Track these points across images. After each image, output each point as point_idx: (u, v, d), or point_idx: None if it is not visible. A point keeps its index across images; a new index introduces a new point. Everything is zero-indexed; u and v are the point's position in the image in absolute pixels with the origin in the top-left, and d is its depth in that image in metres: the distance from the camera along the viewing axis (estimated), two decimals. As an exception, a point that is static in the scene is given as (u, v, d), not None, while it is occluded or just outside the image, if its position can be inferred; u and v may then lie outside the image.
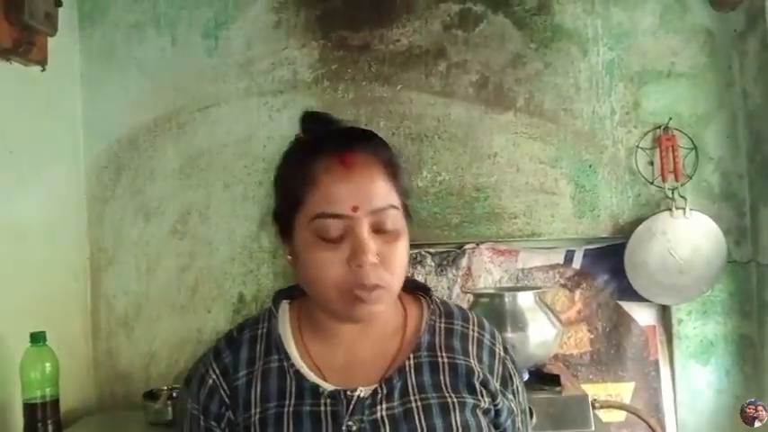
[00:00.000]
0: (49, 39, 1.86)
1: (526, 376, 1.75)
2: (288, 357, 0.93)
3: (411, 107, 2.16)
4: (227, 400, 0.92)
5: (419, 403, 0.90)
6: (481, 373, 0.95)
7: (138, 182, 2.17)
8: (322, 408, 0.89)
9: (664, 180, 2.12)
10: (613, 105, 2.17)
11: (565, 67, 2.17)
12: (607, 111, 2.17)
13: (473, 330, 0.99)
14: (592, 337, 2.15)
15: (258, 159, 2.15)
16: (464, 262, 2.13)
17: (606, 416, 1.95)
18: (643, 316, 2.15)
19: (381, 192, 0.89)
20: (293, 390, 0.91)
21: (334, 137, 0.92)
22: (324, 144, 0.91)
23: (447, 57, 2.17)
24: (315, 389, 0.90)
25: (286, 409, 0.89)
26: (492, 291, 2.00)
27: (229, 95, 2.17)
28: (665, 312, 2.16)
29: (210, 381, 0.94)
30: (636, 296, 2.13)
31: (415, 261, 2.12)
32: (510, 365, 1.00)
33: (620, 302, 2.15)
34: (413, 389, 0.91)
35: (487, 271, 2.14)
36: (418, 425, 0.89)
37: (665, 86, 2.16)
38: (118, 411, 2.08)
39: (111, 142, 2.16)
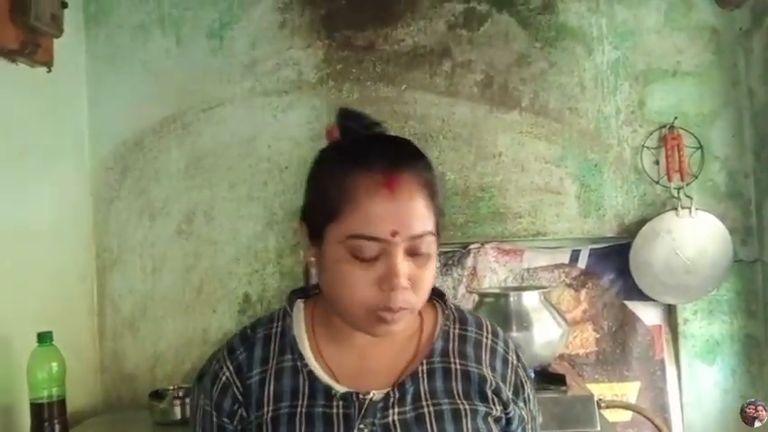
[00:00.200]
0: (55, 40, 1.86)
1: (531, 376, 1.75)
2: (301, 357, 0.93)
3: (416, 107, 2.16)
4: (240, 397, 0.92)
5: (431, 409, 0.90)
6: (494, 382, 0.95)
7: (143, 182, 2.17)
8: (334, 410, 0.89)
9: (669, 179, 2.11)
10: (618, 104, 2.16)
11: (570, 66, 2.17)
12: (612, 110, 2.16)
13: (486, 338, 0.99)
14: (597, 336, 2.14)
15: (263, 159, 2.15)
16: (469, 262, 2.13)
17: (612, 416, 1.94)
18: (649, 315, 2.15)
19: (421, 217, 0.87)
20: (306, 390, 0.91)
21: (377, 150, 0.89)
22: (367, 158, 0.87)
23: (452, 56, 2.17)
24: (327, 390, 0.90)
25: (299, 410, 0.89)
26: (497, 290, 1.99)
27: (234, 96, 2.17)
28: (670, 312, 2.16)
29: (224, 378, 0.94)
30: (641, 296, 2.12)
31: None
32: (522, 373, 0.99)
33: (626, 302, 2.15)
34: (425, 394, 0.91)
35: (492, 271, 2.13)
36: (430, 430, 0.88)
37: (670, 85, 2.15)
38: (124, 411, 2.09)
39: (117, 143, 2.17)
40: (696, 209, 2.08)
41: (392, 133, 0.96)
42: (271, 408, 0.90)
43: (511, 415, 0.95)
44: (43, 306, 1.81)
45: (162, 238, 2.16)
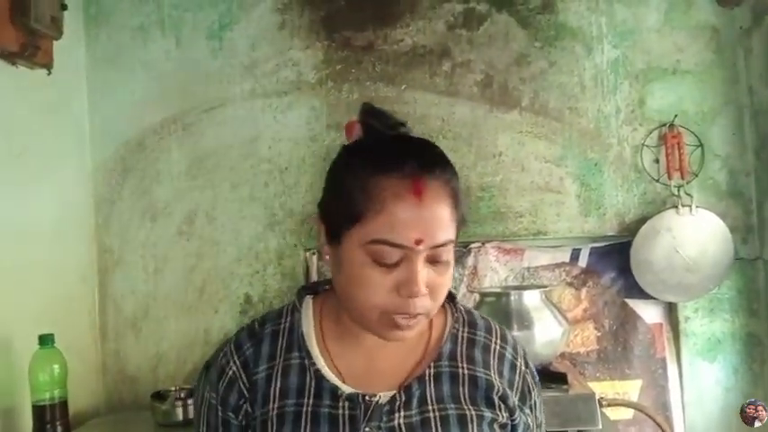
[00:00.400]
0: (55, 42, 1.86)
1: (538, 382, 1.75)
2: (309, 355, 0.93)
3: (415, 107, 2.16)
4: (245, 392, 0.92)
5: (437, 413, 0.90)
6: (501, 388, 0.94)
7: (144, 183, 2.18)
8: (340, 410, 0.89)
9: (670, 178, 2.11)
10: (618, 103, 2.16)
11: (569, 65, 2.17)
12: (612, 109, 2.16)
13: (495, 343, 0.98)
14: (598, 335, 2.14)
15: (264, 160, 2.15)
16: (470, 261, 2.13)
17: (613, 414, 1.95)
18: (650, 314, 2.15)
19: (445, 227, 0.86)
20: (312, 389, 0.91)
21: (405, 153, 0.87)
22: (395, 161, 0.85)
23: (451, 56, 2.17)
24: (334, 390, 0.90)
25: (304, 408, 0.89)
26: (498, 290, 1.99)
27: (234, 97, 2.17)
28: (671, 310, 2.16)
29: (231, 372, 0.93)
30: (642, 294, 2.12)
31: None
32: (530, 380, 0.99)
33: (627, 300, 2.15)
34: (431, 398, 0.91)
35: (493, 270, 2.14)
36: None
37: (670, 84, 2.15)
38: (126, 412, 2.09)
39: (118, 144, 2.17)
40: (697, 207, 2.08)
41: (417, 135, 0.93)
42: (276, 404, 0.90)
43: (516, 422, 0.95)
44: (44, 307, 1.82)
45: (163, 238, 2.17)
